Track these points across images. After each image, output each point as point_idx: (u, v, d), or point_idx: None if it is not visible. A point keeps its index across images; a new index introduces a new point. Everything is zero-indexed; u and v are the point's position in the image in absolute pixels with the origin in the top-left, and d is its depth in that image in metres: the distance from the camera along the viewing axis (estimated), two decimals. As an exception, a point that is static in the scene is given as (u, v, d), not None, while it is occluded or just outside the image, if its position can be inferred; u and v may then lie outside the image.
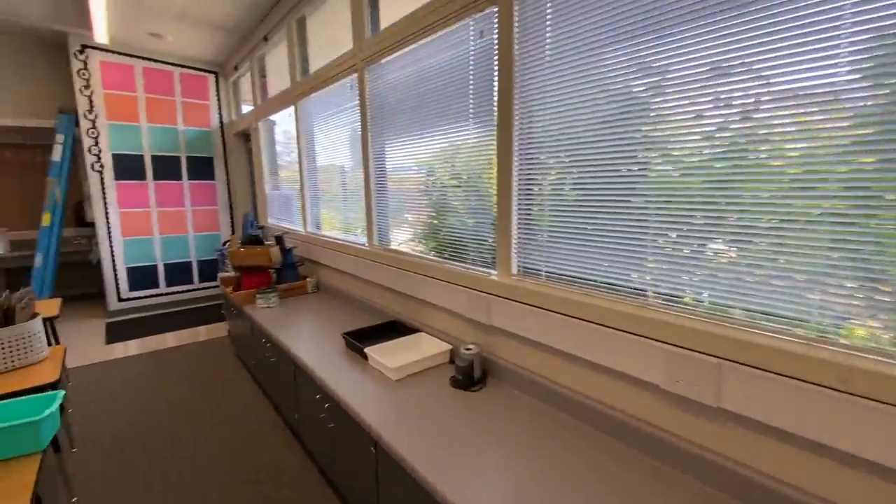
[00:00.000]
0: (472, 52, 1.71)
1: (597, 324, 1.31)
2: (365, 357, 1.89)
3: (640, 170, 1.23)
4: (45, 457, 1.25)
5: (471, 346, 1.66)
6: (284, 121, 3.71)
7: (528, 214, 1.57)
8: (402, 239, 2.35)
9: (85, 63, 4.17)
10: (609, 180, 1.31)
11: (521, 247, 1.61)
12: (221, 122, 5.00)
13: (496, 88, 1.60)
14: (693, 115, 1.10)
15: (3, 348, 1.81)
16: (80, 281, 5.21)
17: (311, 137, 3.25)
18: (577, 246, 1.41)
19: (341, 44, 2.57)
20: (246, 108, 4.68)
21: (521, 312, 1.55)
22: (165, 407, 2.75)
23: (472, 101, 1.74)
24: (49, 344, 2.80)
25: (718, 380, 1.05)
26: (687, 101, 1.11)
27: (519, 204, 1.59)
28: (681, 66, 1.11)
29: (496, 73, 1.60)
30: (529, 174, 1.55)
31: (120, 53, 4.33)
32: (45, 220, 4.24)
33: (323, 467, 2.06)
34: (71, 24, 3.87)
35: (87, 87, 4.20)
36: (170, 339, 3.96)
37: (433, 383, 1.68)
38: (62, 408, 1.71)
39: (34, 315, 2.00)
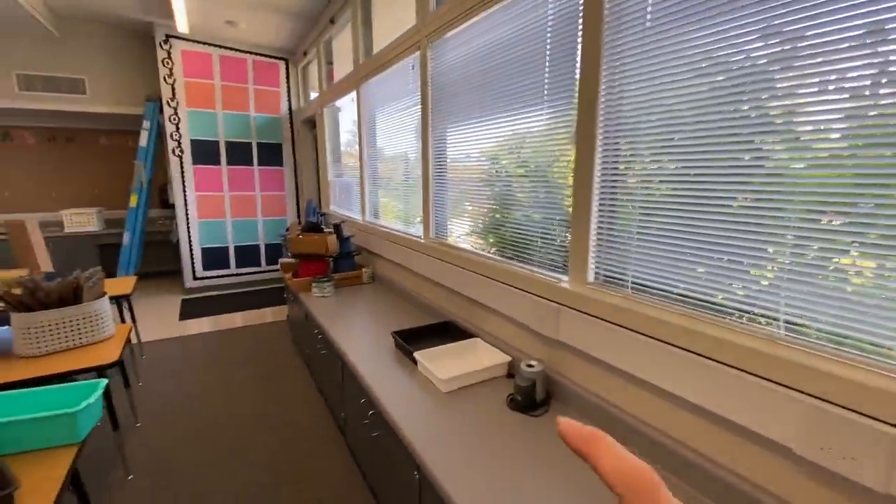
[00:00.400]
0: (550, 17, 1.44)
1: (702, 356, 1.02)
2: (414, 361, 1.72)
3: (759, 160, 0.92)
4: (83, 446, 1.21)
5: (534, 363, 1.43)
6: (348, 107, 3.64)
7: (613, 211, 1.29)
8: (460, 233, 2.16)
9: (169, 52, 4.38)
10: (724, 172, 1.00)
11: (602, 250, 1.34)
12: (290, 108, 5.08)
13: (579, 60, 1.33)
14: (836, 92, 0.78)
15: (70, 326, 1.87)
16: (163, 259, 5.60)
17: (372, 123, 3.13)
18: (678, 253, 1.12)
19: (407, 23, 2.39)
20: (314, 96, 4.70)
21: (598, 329, 1.29)
22: (223, 389, 2.81)
23: (547, 76, 1.48)
24: (124, 321, 2.96)
25: (891, 457, 0.74)
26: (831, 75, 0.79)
27: (601, 197, 1.32)
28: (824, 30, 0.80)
29: (579, 41, 1.32)
30: (616, 162, 1.27)
31: (199, 42, 4.50)
32: (133, 201, 4.55)
33: (366, 473, 1.94)
34: (156, 14, 4.06)
35: (170, 75, 4.42)
36: (237, 319, 4.11)
37: (488, 401, 1.47)
38: (107, 394, 1.71)
39: (102, 294, 2.06)
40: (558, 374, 1.47)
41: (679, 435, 1.12)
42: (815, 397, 0.84)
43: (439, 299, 2.28)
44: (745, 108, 0.96)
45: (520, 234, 1.68)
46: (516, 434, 1.29)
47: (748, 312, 0.99)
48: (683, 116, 1.07)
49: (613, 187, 1.29)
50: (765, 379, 0.92)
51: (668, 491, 0.21)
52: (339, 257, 3.10)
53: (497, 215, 1.83)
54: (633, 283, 1.25)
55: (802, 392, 0.86)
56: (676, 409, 1.12)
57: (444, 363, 1.69)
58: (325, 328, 2.17)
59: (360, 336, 2.05)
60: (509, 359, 1.65)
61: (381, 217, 3.19)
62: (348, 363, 1.81)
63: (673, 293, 1.15)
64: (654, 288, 1.19)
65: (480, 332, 1.88)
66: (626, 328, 1.22)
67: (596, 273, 1.36)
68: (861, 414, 0.78)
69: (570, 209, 1.40)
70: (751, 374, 0.94)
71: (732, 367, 0.97)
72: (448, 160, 2.16)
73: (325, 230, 3.24)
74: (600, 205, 1.32)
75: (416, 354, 1.68)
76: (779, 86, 0.90)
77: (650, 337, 1.15)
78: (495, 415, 1.39)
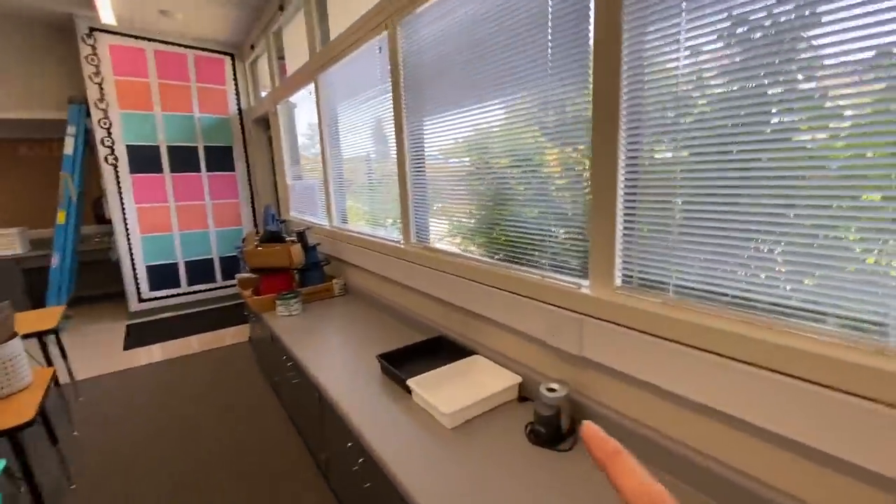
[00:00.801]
0: (551, -26, 1.22)
1: (786, 374, 0.83)
2: (408, 390, 1.46)
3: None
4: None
5: (556, 386, 1.21)
6: (305, 102, 3.30)
7: (644, 200, 1.08)
8: (445, 236, 1.90)
9: (94, 48, 3.86)
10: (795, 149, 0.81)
11: (631, 248, 1.13)
12: (240, 108, 4.65)
13: (592, 18, 1.11)
14: None
15: (-35, 381, 1.47)
16: (102, 281, 5.01)
17: (334, 118, 2.82)
18: (735, 247, 0.92)
19: (366, 4, 2.11)
20: (265, 94, 4.30)
21: (633, 342, 1.08)
22: (178, 430, 2.42)
23: (551, 44, 1.25)
24: (49, 362, 2.51)
25: None
26: None
27: (628, 185, 1.10)
28: None
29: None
30: (638, 145, 1.06)
31: (130, 36, 4.00)
32: (60, 217, 4.00)
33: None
34: (75, 4, 3.55)
35: (96, 73, 3.90)
36: (192, 344, 3.67)
37: (503, 435, 1.23)
38: (23, 461, 1.35)
39: (11, 335, 1.66)
40: (584, 397, 1.25)
41: (760, 472, 0.92)
42: (957, 426, 0.65)
43: (426, 311, 2.02)
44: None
45: (523, 234, 1.45)
46: (544, 477, 1.06)
47: (842, 317, 0.80)
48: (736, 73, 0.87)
49: (640, 173, 1.07)
50: (874, 401, 0.73)
51: None
52: (306, 269, 2.78)
53: (492, 214, 1.59)
54: (675, 285, 1.04)
55: (936, 419, 0.67)
56: (748, 438, 0.92)
57: (444, 391, 1.44)
58: (297, 355, 1.86)
59: (338, 362, 1.76)
60: (520, 379, 1.41)
61: (351, 222, 2.89)
62: (328, 398, 1.53)
63: (729, 295, 0.95)
64: (703, 291, 0.99)
65: (479, 348, 1.64)
66: (670, 340, 1.01)
67: (625, 276, 1.15)
68: None
69: (589, 201, 1.19)
70: (856, 395, 0.75)
71: (830, 387, 0.78)
72: (428, 155, 1.91)
73: (288, 239, 2.91)
74: (627, 194, 1.11)
75: (411, 383, 1.42)
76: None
77: (705, 350, 0.94)
78: (515, 453, 1.15)
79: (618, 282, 1.16)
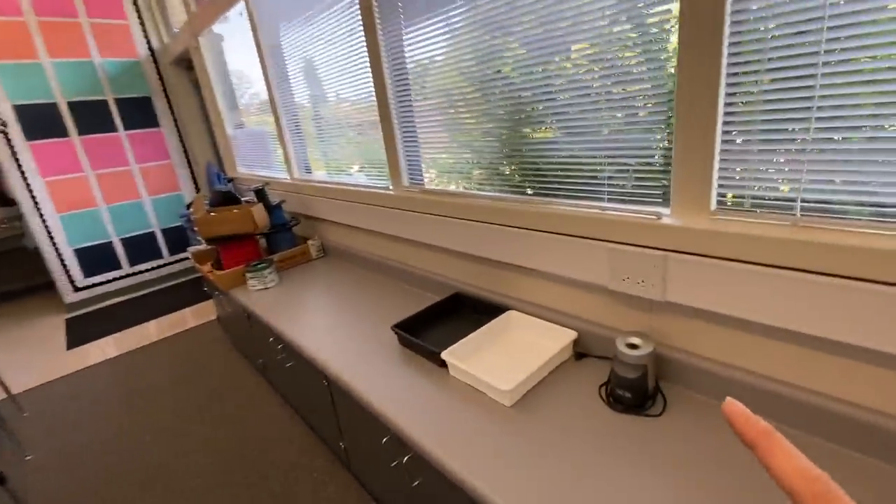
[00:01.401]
0: None
1: None
2: (442, 364, 1.21)
3: None
4: None
5: (637, 342, 0.98)
6: (237, 31, 2.68)
7: (763, 90, 0.80)
8: (449, 174, 1.58)
9: (-67, -24, 2.95)
10: None
11: (737, 159, 0.87)
12: (151, 48, 3.84)
13: None
14: None
15: None
16: (22, 273, 4.31)
17: (277, 44, 2.29)
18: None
19: None
20: (179, 28, 3.54)
21: (736, 276, 0.86)
22: (157, 436, 2.10)
23: None
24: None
25: None
26: None
27: (734, 68, 0.82)
28: None
29: None
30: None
31: (-19, -42, 3.08)
32: (-53, 204, 3.26)
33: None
34: None
35: (-53, 12, 3.02)
36: (149, 331, 3.23)
37: (574, 403, 1.02)
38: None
39: None
40: (669, 349, 1.04)
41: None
42: None
43: (434, 266, 1.73)
44: None
45: (568, 159, 1.16)
46: (640, 449, 0.86)
47: None
48: None
49: (755, 50, 0.79)
50: None
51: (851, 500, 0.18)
52: (273, 232, 2.37)
53: (517, 137, 1.27)
54: (806, 200, 0.80)
55: None
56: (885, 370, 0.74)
57: (487, 360, 1.20)
58: (287, 335, 1.55)
59: (342, 339, 1.47)
60: (575, 334, 1.19)
61: (319, 170, 2.46)
62: (340, 384, 1.25)
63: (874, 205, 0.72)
64: (846, 204, 0.76)
65: (512, 302, 1.40)
66: (794, 269, 0.79)
67: (722, 196, 0.90)
68: None
69: (673, 100, 0.90)
70: None
71: None
72: (414, 70, 1.52)
73: (244, 200, 2.47)
74: (731, 82, 0.83)
75: (447, 357, 1.16)
76: None
77: (845, 277, 0.73)
78: (598, 424, 0.95)
79: (714, 205, 0.91)
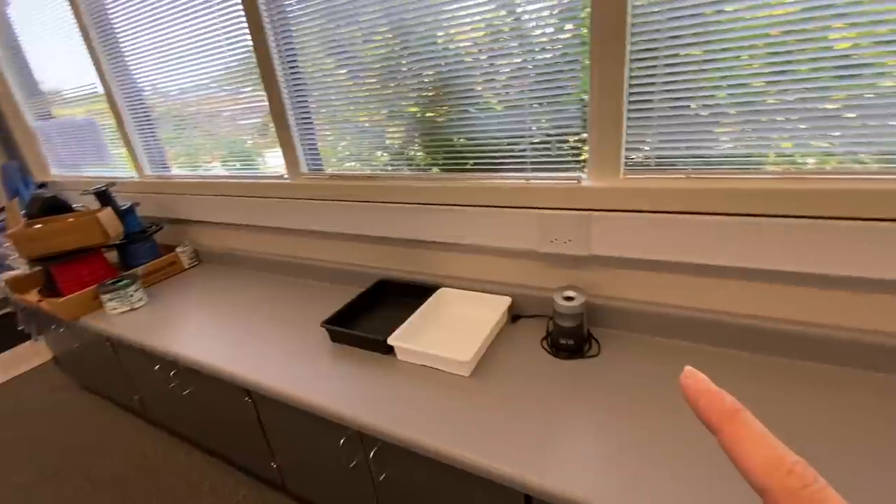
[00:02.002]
0: None
1: (817, 217, 0.86)
2: (386, 351, 1.17)
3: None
4: None
5: (572, 294, 1.10)
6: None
7: (655, 66, 0.96)
8: (358, 156, 1.51)
9: None
10: None
11: (640, 127, 1.02)
12: None
13: None
14: None
15: None
16: None
17: (102, 6, 1.86)
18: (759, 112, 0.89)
19: None
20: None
21: (653, 225, 1.02)
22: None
23: None
24: None
25: None
26: None
27: (635, 52, 0.96)
28: None
29: None
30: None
31: None
32: None
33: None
34: None
35: None
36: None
37: (525, 360, 1.09)
38: None
39: None
40: (597, 297, 1.18)
41: (783, 313, 0.99)
42: None
43: (350, 256, 1.64)
44: None
45: (489, 136, 1.20)
46: (593, 385, 0.98)
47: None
48: None
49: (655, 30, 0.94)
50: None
51: (835, 492, 0.15)
52: (127, 242, 1.96)
53: (430, 117, 1.28)
54: (694, 157, 0.99)
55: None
56: (785, 287, 0.98)
57: (431, 338, 1.20)
58: (185, 356, 1.31)
59: (260, 347, 1.31)
60: (509, 300, 1.27)
61: (180, 163, 2.10)
62: (273, 397, 1.12)
63: (758, 155, 0.94)
64: (725, 157, 0.96)
65: (442, 280, 1.41)
66: (688, 212, 0.98)
67: (629, 158, 1.05)
68: None
69: (586, 81, 1.01)
70: (882, 219, 0.82)
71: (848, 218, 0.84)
72: (304, 45, 1.40)
73: (77, 206, 2.00)
74: (634, 64, 0.97)
75: (394, 342, 1.13)
76: None
77: (735, 214, 0.94)
78: (551, 372, 1.04)
79: (625, 167, 1.06)
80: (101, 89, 2.06)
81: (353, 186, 1.46)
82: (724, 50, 0.89)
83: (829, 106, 0.85)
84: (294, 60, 1.44)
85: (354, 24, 1.28)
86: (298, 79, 1.46)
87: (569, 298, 1.09)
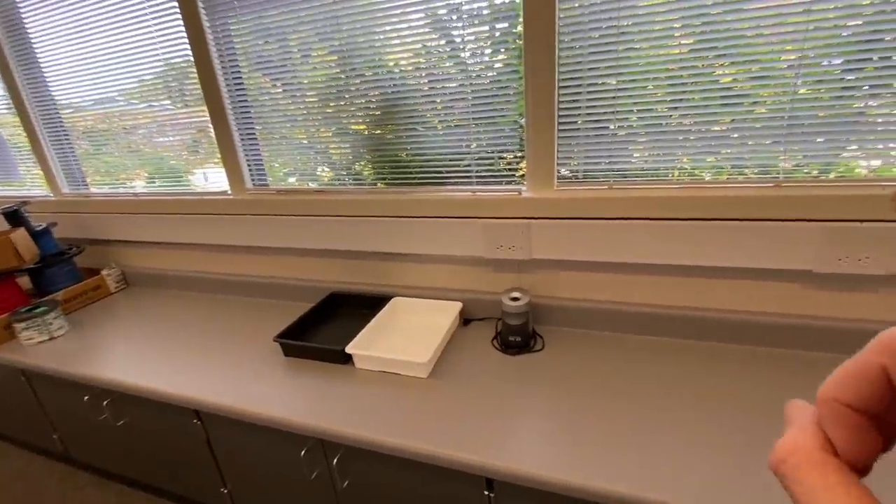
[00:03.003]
0: None
1: (720, 219, 1.04)
2: (344, 361, 1.19)
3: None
4: None
5: (517, 295, 1.20)
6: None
7: (588, 101, 1.10)
8: (305, 171, 1.53)
9: None
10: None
11: (569, 147, 1.15)
12: None
13: None
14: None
15: None
16: None
17: (13, 9, 1.74)
18: (660, 136, 1.07)
19: None
20: None
21: (583, 231, 1.16)
22: None
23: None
24: None
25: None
26: None
27: (563, 86, 1.10)
28: None
29: None
30: (574, 49, 1.05)
31: None
32: None
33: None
34: None
35: None
36: None
37: (477, 359, 1.17)
38: None
39: None
40: (537, 297, 1.29)
41: (703, 301, 1.16)
42: (824, 220, 0.97)
43: (297, 271, 1.63)
44: None
45: (433, 150, 1.29)
46: (540, 376, 1.08)
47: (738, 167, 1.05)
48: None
49: (577, 72, 1.08)
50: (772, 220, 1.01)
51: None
52: (43, 266, 1.79)
53: (381, 132, 1.34)
54: (614, 171, 1.14)
55: (812, 220, 0.98)
56: (687, 279, 1.15)
57: (392, 346, 1.25)
58: (122, 382, 1.24)
59: (207, 367, 1.27)
60: (460, 305, 1.34)
61: (100, 179, 1.97)
62: (226, 416, 1.09)
63: (656, 170, 1.11)
64: (639, 170, 1.12)
65: (393, 290, 1.46)
66: (610, 218, 1.13)
67: (560, 172, 1.19)
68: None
69: (523, 106, 1.14)
70: (760, 219, 1.01)
71: (737, 219, 1.03)
72: (251, 62, 1.42)
73: None
74: (562, 91, 1.11)
75: (352, 350, 1.16)
76: None
77: (649, 219, 1.10)
78: (501, 368, 1.12)
79: (558, 180, 1.19)
80: (10, 101, 1.89)
81: (300, 201, 1.47)
82: (633, 80, 1.05)
83: (718, 128, 1.04)
84: (239, 77, 1.44)
85: (302, 44, 1.32)
86: (242, 95, 1.46)
87: (515, 299, 1.19)
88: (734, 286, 1.11)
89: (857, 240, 0.95)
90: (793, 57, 0.94)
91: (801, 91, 0.96)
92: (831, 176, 1.00)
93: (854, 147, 0.97)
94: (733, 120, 1.02)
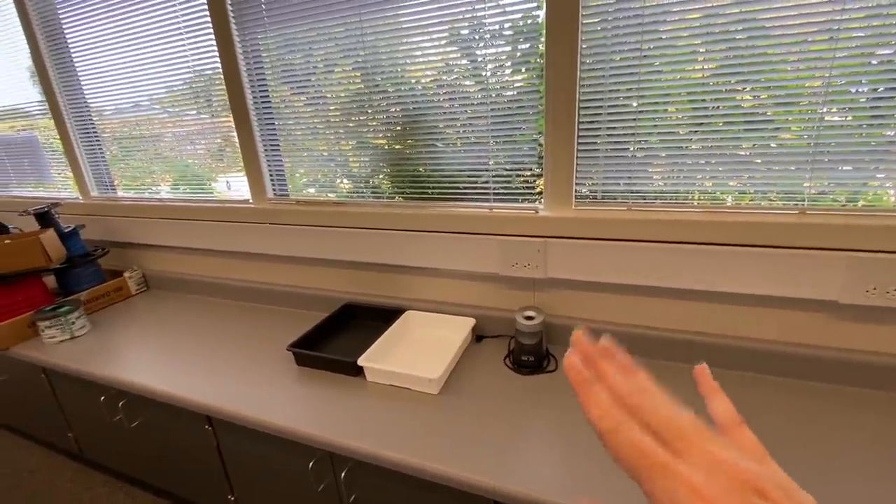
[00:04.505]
0: None
1: (741, 245, 1.02)
2: (356, 373, 1.19)
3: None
4: None
5: (531, 314, 1.19)
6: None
7: (598, 118, 1.10)
8: (323, 183, 1.55)
9: None
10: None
11: (589, 167, 1.15)
12: None
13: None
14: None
15: None
16: None
17: (55, 16, 1.82)
18: (679, 158, 1.06)
19: None
20: None
21: (600, 251, 1.15)
22: None
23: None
24: None
25: (914, 279, 0.91)
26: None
27: (583, 106, 1.10)
28: None
29: None
30: (601, 67, 1.06)
31: None
32: None
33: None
34: None
35: None
36: None
37: (489, 377, 1.16)
38: None
39: None
40: (553, 316, 1.28)
41: (721, 329, 1.14)
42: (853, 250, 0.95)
43: (313, 281, 1.65)
44: None
45: (452, 166, 1.30)
46: (552, 398, 1.06)
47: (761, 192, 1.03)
48: (695, -10, 0.95)
49: (598, 94, 1.09)
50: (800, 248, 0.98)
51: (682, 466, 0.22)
52: (69, 266, 1.85)
53: (401, 147, 1.36)
54: (633, 192, 1.13)
55: (838, 249, 0.95)
56: (712, 304, 1.12)
57: (403, 360, 1.25)
58: (137, 384, 1.26)
59: (221, 373, 1.28)
60: (473, 321, 1.34)
61: (127, 183, 2.03)
62: (237, 423, 1.10)
63: (678, 193, 1.10)
64: (661, 193, 1.11)
65: (407, 303, 1.46)
66: (629, 240, 1.12)
67: (579, 192, 1.18)
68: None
69: (542, 125, 1.14)
70: (784, 247, 0.99)
71: (759, 245, 1.01)
72: (277, 76, 1.46)
73: (12, 228, 1.88)
74: (582, 112, 1.11)
75: (364, 362, 1.16)
76: None
77: (667, 242, 1.08)
78: (514, 388, 1.11)
79: (576, 200, 1.18)
80: (47, 106, 1.97)
81: (319, 212, 1.50)
82: (654, 103, 1.05)
83: (740, 152, 1.03)
84: (265, 89, 1.48)
85: (327, 58, 1.36)
86: (267, 106, 1.50)
87: (529, 318, 1.18)
88: (754, 314, 1.08)
89: (885, 271, 0.92)
90: (818, 83, 0.93)
91: (828, 118, 0.94)
92: (859, 205, 0.97)
93: (882, 176, 0.95)
94: (755, 145, 1.01)
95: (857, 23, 0.88)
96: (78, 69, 1.84)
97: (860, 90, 0.92)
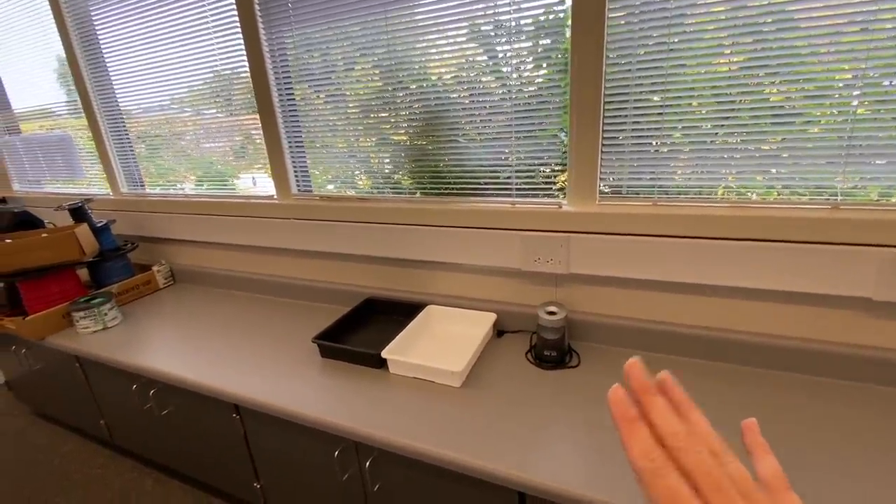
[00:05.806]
0: None
1: (772, 240, 1.01)
2: (379, 365, 1.21)
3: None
4: None
5: (554, 309, 1.19)
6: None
7: (623, 113, 1.10)
8: (346, 179, 1.58)
9: None
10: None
11: (613, 161, 1.15)
12: None
13: None
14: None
15: None
16: None
17: (88, 19, 1.88)
18: (709, 151, 1.05)
19: None
20: None
21: (623, 247, 1.15)
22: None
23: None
24: None
25: (950, 276, 0.89)
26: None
27: (608, 100, 1.10)
28: None
29: None
30: (627, 56, 1.06)
31: None
32: None
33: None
34: None
35: None
36: None
37: (511, 372, 1.17)
38: None
39: None
40: (574, 312, 1.28)
41: (750, 326, 1.12)
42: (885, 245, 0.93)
43: (336, 275, 1.68)
44: None
45: (474, 161, 1.31)
46: (574, 394, 1.06)
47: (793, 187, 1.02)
48: (724, -18, 0.94)
49: (625, 86, 1.08)
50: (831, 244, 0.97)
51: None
52: (101, 260, 1.92)
53: (424, 144, 1.38)
54: (658, 187, 1.13)
55: (872, 245, 0.94)
56: (737, 301, 1.11)
57: (425, 353, 1.26)
58: (167, 373, 1.30)
59: (248, 364, 1.32)
60: (495, 316, 1.35)
61: (155, 180, 2.09)
62: (264, 413, 1.13)
63: (706, 188, 1.09)
64: (684, 187, 1.11)
65: (428, 298, 1.48)
66: (654, 235, 1.11)
67: (603, 187, 1.18)
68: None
69: (566, 120, 1.15)
70: (815, 243, 0.98)
71: (789, 241, 0.99)
72: (301, 73, 1.49)
73: (48, 223, 1.96)
74: (607, 106, 1.11)
75: (388, 354, 1.18)
76: None
77: (694, 237, 1.08)
78: (536, 383, 1.12)
79: (599, 195, 1.18)
80: (80, 105, 2.04)
81: (342, 207, 1.52)
82: (678, 97, 1.04)
83: (767, 147, 1.02)
84: (290, 87, 1.51)
85: (350, 56, 1.38)
86: (292, 104, 1.53)
87: (552, 313, 1.19)
88: (782, 311, 1.07)
89: None
90: (849, 76, 0.91)
91: (860, 111, 0.93)
92: (893, 199, 0.95)
93: (918, 170, 0.93)
94: (784, 139, 0.99)
95: (892, 13, 0.86)
96: (110, 70, 1.90)
97: (893, 83, 0.90)
